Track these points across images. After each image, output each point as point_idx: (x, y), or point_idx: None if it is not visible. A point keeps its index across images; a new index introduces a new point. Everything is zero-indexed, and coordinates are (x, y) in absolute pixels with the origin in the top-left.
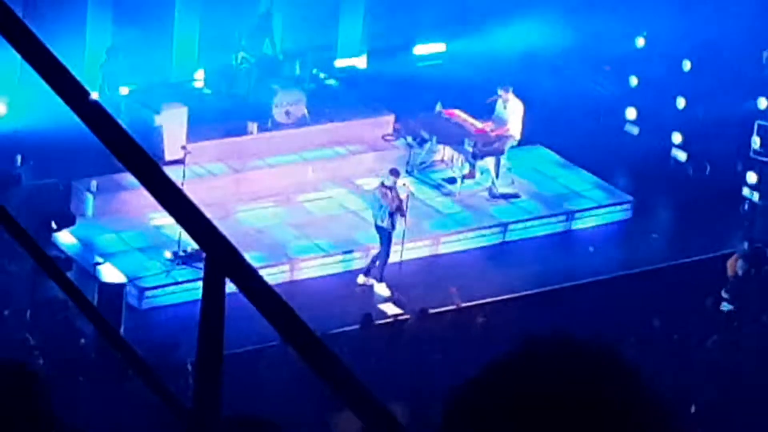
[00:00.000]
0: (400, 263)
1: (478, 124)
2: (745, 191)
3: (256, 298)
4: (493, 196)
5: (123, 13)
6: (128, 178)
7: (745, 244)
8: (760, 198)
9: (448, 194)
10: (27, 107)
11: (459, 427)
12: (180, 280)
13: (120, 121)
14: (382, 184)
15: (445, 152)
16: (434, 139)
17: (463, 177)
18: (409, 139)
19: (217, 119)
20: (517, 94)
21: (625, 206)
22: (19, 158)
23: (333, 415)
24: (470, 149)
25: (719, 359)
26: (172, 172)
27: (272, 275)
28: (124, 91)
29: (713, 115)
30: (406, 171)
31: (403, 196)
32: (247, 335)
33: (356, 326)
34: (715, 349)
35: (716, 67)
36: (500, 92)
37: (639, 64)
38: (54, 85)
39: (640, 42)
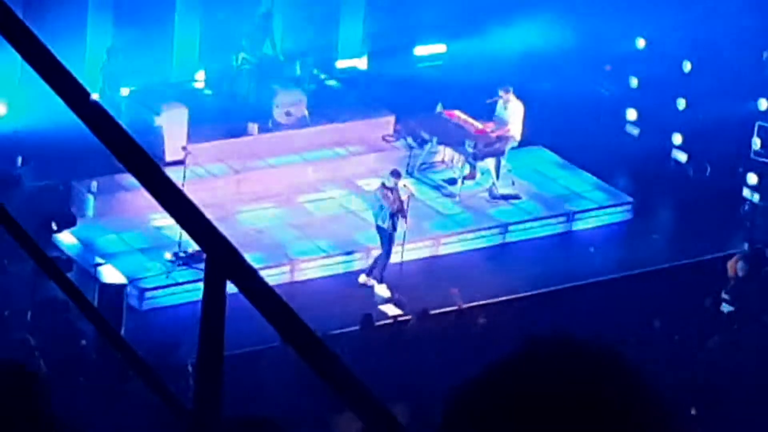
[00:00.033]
0: (401, 264)
1: (479, 125)
2: (746, 192)
3: (257, 298)
4: (494, 197)
5: (123, 13)
6: (129, 178)
7: (746, 245)
8: (760, 199)
9: (448, 195)
10: (27, 108)
11: (459, 427)
12: (180, 280)
13: (120, 122)
14: (383, 185)
15: (445, 153)
16: (435, 139)
17: (464, 178)
18: (410, 139)
19: (218, 120)
20: (518, 95)
21: (625, 207)
22: (19, 159)
23: (333, 415)
24: (471, 150)
25: (720, 360)
26: (173, 173)
27: (272, 276)
28: (124, 91)
29: (714, 116)
30: (407, 172)
31: (404, 197)
32: (248, 336)
33: (356, 327)
34: (716, 349)
35: (717, 68)
36: (501, 93)
37: (639, 65)
38: (54, 86)
39: (641, 43)
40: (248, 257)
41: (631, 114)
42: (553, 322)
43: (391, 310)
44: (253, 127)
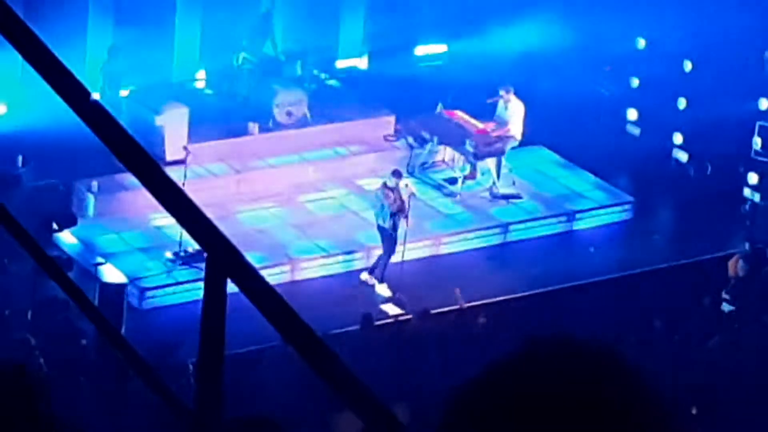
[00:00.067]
0: (401, 264)
1: (479, 125)
2: (746, 192)
3: (257, 298)
4: (494, 197)
5: (124, 13)
6: (129, 178)
7: (746, 245)
8: (761, 199)
9: (449, 195)
10: (28, 108)
11: (459, 427)
12: (181, 280)
13: (121, 122)
14: (385, 185)
15: (446, 153)
16: (435, 139)
17: (464, 177)
18: (410, 139)
19: (219, 119)
20: (518, 95)
21: (626, 207)
22: (20, 159)
23: (334, 415)
24: (471, 150)
25: (720, 360)
26: (173, 173)
27: (273, 275)
28: (124, 91)
29: (714, 116)
30: (407, 171)
31: (405, 197)
32: (249, 336)
33: (357, 327)
34: (716, 349)
35: (717, 68)
36: (501, 93)
37: (640, 65)
38: (55, 86)
39: (641, 43)
40: (249, 257)
41: (632, 114)
42: (553, 322)
43: (391, 309)
44: (254, 126)
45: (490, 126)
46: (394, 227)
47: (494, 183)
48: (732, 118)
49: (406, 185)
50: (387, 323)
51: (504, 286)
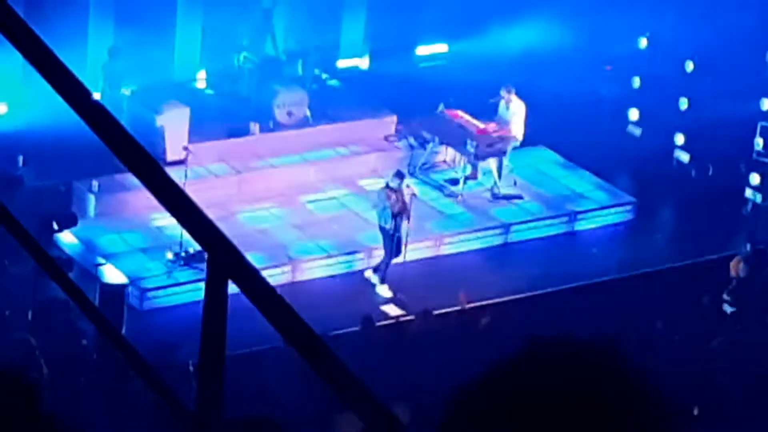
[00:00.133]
0: (403, 264)
1: (481, 125)
2: (748, 193)
3: (258, 299)
4: (496, 197)
5: (125, 13)
6: (130, 178)
7: (748, 246)
8: (762, 199)
9: (450, 195)
10: (29, 108)
11: (459, 427)
12: (182, 281)
13: (122, 122)
14: (387, 186)
15: (447, 153)
16: (436, 139)
17: (466, 178)
18: (411, 139)
19: (219, 120)
20: (520, 95)
21: (627, 207)
22: (20, 159)
23: (334, 415)
24: (472, 150)
25: (722, 361)
26: (174, 173)
27: (274, 276)
28: (125, 91)
29: (716, 117)
30: (408, 172)
31: (407, 198)
32: (249, 336)
33: (358, 327)
34: (718, 350)
35: (719, 69)
36: (503, 93)
37: (642, 65)
38: (56, 86)
39: (643, 43)
40: (249, 257)
41: (634, 114)
42: (554, 323)
43: (392, 310)
44: (255, 126)
45: (491, 126)
46: (396, 228)
47: (495, 183)
48: (734, 118)
49: (408, 186)
50: (388, 324)
51: (505, 287)
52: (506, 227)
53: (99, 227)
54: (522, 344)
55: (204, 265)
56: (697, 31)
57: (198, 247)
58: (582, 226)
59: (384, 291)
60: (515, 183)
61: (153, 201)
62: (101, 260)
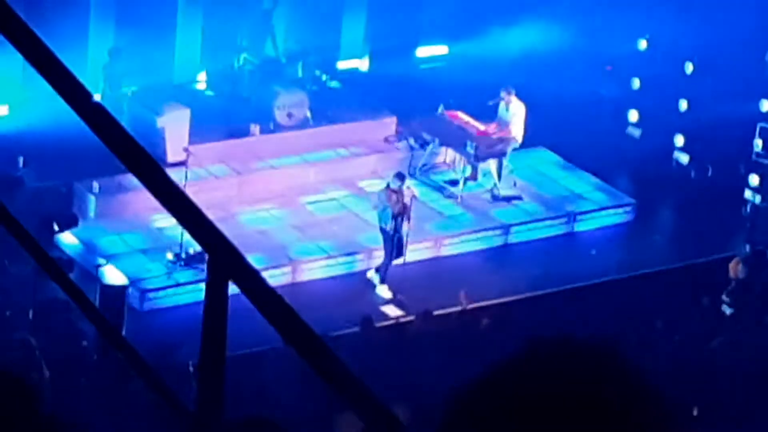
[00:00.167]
0: (403, 265)
1: (481, 126)
2: (747, 194)
3: (258, 299)
4: (495, 198)
5: (126, 14)
6: (130, 179)
7: (747, 247)
8: (762, 200)
9: (450, 196)
10: (29, 109)
11: (460, 427)
12: (182, 281)
13: (122, 123)
14: (388, 187)
15: (447, 154)
16: (436, 141)
17: (465, 179)
18: (411, 141)
19: (220, 121)
20: (520, 96)
21: (627, 208)
22: (21, 160)
23: (335, 416)
24: (472, 151)
25: (721, 361)
26: (175, 174)
27: (274, 277)
28: (126, 92)
29: (715, 118)
30: (408, 173)
31: (407, 199)
32: (250, 337)
33: (358, 328)
34: (718, 350)
35: (719, 70)
36: (502, 94)
37: (641, 67)
38: (57, 87)
39: (643, 44)
40: (250, 258)
41: (633, 115)
42: (554, 324)
43: (392, 311)
44: (255, 128)
45: (491, 127)
46: (396, 229)
47: (495, 184)
48: (733, 119)
49: (409, 188)
50: (388, 324)
51: (505, 288)
52: (506, 228)
53: (99, 228)
54: (522, 345)
55: (204, 266)
56: (697, 32)
57: (198, 248)
58: (582, 227)
59: (384, 292)
60: (515, 184)
61: (153, 202)
62: (102, 261)
